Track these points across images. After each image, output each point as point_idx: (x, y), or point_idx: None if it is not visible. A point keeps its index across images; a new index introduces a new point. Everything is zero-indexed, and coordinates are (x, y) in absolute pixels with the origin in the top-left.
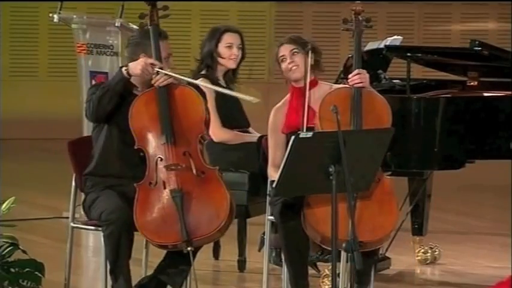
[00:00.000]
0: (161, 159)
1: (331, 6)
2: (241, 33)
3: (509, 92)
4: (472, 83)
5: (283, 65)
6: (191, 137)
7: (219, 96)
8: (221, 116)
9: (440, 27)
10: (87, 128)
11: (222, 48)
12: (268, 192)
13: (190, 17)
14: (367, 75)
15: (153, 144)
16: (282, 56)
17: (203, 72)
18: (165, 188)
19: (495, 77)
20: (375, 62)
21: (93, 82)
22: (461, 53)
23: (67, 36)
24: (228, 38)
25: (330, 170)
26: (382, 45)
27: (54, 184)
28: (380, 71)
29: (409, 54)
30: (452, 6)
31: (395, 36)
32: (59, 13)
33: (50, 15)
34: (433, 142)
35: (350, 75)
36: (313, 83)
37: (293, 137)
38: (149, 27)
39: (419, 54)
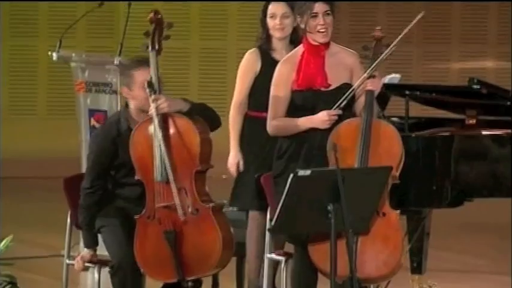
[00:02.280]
0: (158, 195)
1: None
2: (289, 1)
3: (508, 130)
4: (470, 121)
5: (313, 23)
6: (186, 172)
7: (263, 75)
8: (254, 97)
9: (438, 65)
10: (85, 166)
11: (268, 19)
12: (267, 229)
13: (189, 31)
14: (381, 81)
15: (149, 179)
16: (315, 13)
17: (260, 44)
18: (160, 224)
19: (494, 115)
20: None
21: (92, 120)
22: (459, 91)
23: (66, 74)
24: (271, 9)
25: (329, 208)
26: None
27: (53, 222)
28: (378, 109)
29: (407, 92)
30: (450, 45)
31: (393, 75)
32: (58, 51)
33: (49, 53)
34: (431, 180)
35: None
36: (328, 44)
37: (291, 175)
38: (150, 50)
39: (418, 92)
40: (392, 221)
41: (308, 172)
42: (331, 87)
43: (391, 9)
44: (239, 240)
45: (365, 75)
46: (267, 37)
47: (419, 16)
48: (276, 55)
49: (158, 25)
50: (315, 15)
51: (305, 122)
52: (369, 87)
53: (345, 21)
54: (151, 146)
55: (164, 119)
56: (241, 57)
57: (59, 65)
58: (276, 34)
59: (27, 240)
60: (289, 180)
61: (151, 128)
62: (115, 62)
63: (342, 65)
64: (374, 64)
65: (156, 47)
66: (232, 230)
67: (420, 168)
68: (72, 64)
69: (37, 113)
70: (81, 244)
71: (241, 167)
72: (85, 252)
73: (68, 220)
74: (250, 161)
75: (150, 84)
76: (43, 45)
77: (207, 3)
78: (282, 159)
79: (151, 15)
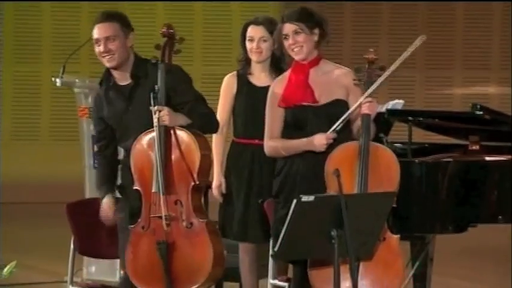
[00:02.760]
0: (154, 205)
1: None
2: (268, 25)
3: (511, 156)
4: (473, 147)
5: (286, 43)
6: (183, 186)
7: (238, 99)
8: (235, 123)
9: (441, 91)
10: (89, 192)
11: (246, 42)
12: (270, 255)
13: (193, 57)
14: (377, 105)
15: (147, 190)
16: (285, 34)
17: (239, 67)
18: (154, 235)
19: (496, 141)
20: (376, 125)
21: (95, 146)
22: (462, 116)
23: (69, 99)
24: (249, 31)
25: (332, 234)
26: (383, 109)
27: (56, 248)
28: (381, 135)
29: (410, 118)
30: (453, 71)
31: (396, 100)
32: (62, 77)
33: (53, 79)
34: (435, 206)
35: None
36: (315, 61)
37: (295, 201)
38: (159, 63)
39: (421, 118)
40: (392, 245)
41: (311, 198)
42: (321, 103)
43: (393, 33)
44: (234, 265)
45: (361, 99)
46: (246, 60)
47: (418, 40)
48: (253, 79)
49: (170, 39)
50: (286, 37)
51: (301, 145)
52: (365, 111)
53: (347, 44)
54: (151, 156)
55: (166, 131)
56: None
57: (62, 90)
58: (253, 57)
59: (31, 266)
60: (293, 205)
61: (152, 139)
62: None
63: (335, 83)
64: (370, 89)
65: (166, 60)
66: (225, 253)
67: (423, 194)
68: (76, 90)
69: (40, 139)
70: (84, 270)
71: (224, 190)
72: (105, 200)
73: (71, 246)
74: (233, 191)
75: (154, 95)
76: (46, 71)
77: (210, 28)
78: (279, 177)
79: (164, 29)
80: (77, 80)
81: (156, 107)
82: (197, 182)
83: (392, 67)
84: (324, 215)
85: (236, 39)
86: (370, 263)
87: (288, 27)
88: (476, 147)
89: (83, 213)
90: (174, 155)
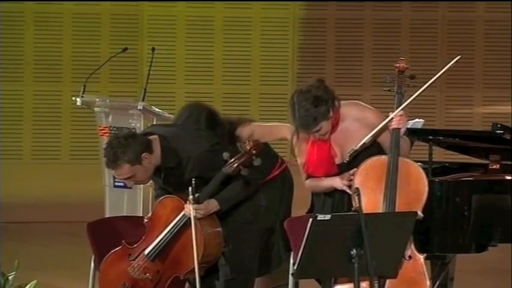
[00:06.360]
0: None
1: (354, 13)
2: None
3: None
4: (494, 166)
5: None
6: (171, 268)
7: None
8: None
9: (462, 110)
10: (109, 211)
11: None
12: (291, 273)
13: (213, 76)
14: (406, 119)
15: (150, 235)
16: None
17: None
18: (130, 272)
19: None
20: None
21: None
22: (483, 136)
23: (89, 119)
24: None
25: (352, 253)
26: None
27: (76, 267)
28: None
29: (430, 137)
30: (473, 90)
31: (416, 119)
32: (82, 96)
33: (73, 98)
34: (455, 225)
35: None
36: (335, 127)
37: (311, 220)
38: (223, 168)
39: (441, 137)
40: (418, 264)
41: (328, 217)
42: (344, 161)
43: (413, 52)
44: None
45: (392, 115)
46: None
47: (455, 60)
48: None
49: (248, 153)
50: (307, 139)
51: (327, 184)
52: (394, 126)
53: (367, 63)
54: (165, 222)
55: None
56: (264, 102)
57: (83, 109)
58: None
59: (50, 285)
60: (309, 224)
61: (177, 209)
62: (138, 107)
63: (352, 139)
64: (402, 107)
65: (233, 167)
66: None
67: (444, 214)
68: (96, 109)
69: (60, 158)
70: None
71: None
72: None
73: (92, 265)
74: None
75: (193, 192)
76: (67, 91)
77: (230, 48)
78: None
79: (251, 144)
80: (97, 100)
81: (194, 205)
82: (180, 276)
83: (426, 85)
84: (343, 233)
85: (256, 57)
86: (395, 282)
87: (303, 137)
88: (496, 166)
89: (103, 232)
90: (181, 239)
